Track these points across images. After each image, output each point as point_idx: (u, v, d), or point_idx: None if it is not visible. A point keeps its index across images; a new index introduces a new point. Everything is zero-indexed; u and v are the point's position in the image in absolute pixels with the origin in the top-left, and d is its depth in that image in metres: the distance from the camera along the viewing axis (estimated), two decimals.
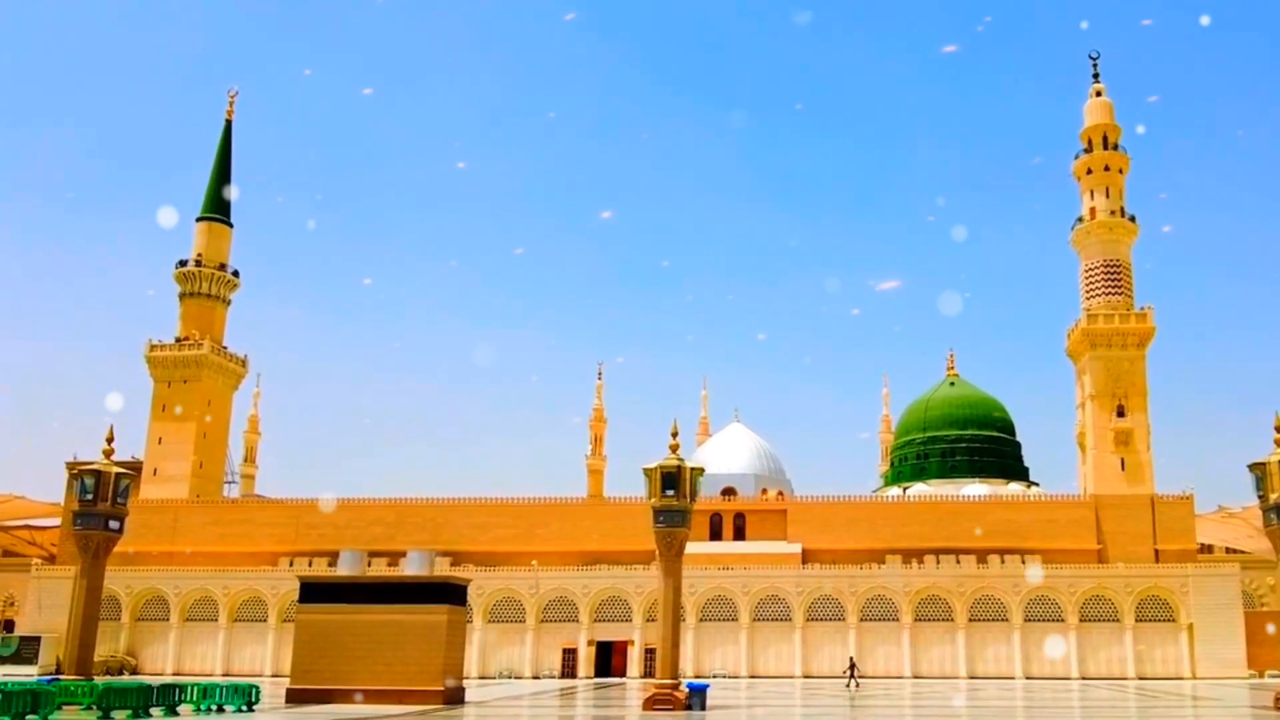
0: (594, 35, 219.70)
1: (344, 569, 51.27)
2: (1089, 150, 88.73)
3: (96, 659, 78.79)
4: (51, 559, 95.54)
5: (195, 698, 40.63)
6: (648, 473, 46.74)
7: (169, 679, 62.22)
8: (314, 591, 49.29)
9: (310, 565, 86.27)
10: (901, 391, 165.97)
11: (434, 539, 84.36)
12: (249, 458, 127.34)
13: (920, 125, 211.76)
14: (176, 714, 38.50)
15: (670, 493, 45.61)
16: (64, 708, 36.10)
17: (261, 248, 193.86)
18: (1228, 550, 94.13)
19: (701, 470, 48.77)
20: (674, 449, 47.16)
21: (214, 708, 40.69)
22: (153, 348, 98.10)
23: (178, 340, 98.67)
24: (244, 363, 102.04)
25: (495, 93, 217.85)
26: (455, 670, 48.99)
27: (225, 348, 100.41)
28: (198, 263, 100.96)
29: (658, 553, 45.81)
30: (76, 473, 48.59)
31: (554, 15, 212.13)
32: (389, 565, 77.66)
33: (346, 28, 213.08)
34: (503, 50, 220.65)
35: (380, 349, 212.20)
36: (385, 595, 48.41)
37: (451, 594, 49.10)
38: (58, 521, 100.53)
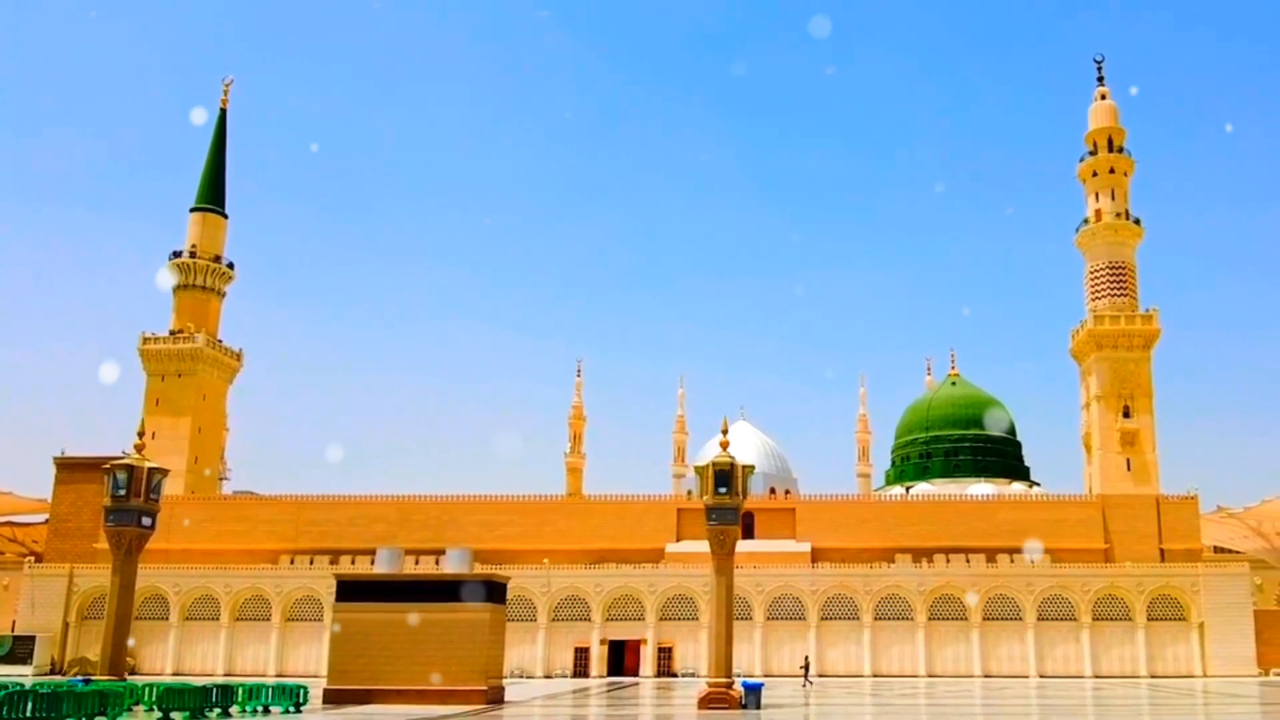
0: (583, 36, 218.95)
1: (381, 567, 50.38)
2: (1094, 153, 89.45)
3: (94, 659, 77.81)
4: (36, 557, 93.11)
5: (242, 699, 39.66)
6: (699, 470, 46.42)
7: (171, 679, 60.79)
8: (352, 590, 48.41)
9: (311, 563, 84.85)
10: (902, 391, 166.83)
11: (438, 537, 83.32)
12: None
13: (922, 126, 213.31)
14: (229, 715, 37.68)
15: (723, 490, 45.24)
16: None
17: (255, 240, 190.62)
18: (1215, 549, 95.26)
19: (752, 468, 48.54)
20: (725, 446, 46.81)
21: (260, 709, 39.79)
22: (146, 340, 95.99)
23: (172, 333, 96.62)
24: (239, 356, 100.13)
25: (489, 91, 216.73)
26: (496, 670, 48.40)
27: (220, 341, 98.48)
28: (192, 254, 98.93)
29: (710, 550, 45.30)
30: (109, 468, 47.35)
31: (548, 16, 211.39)
32: (375, 565, 76.47)
33: (342, 22, 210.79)
34: (497, 49, 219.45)
35: (370, 345, 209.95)
36: (425, 594, 47.63)
37: (493, 592, 48.44)
38: (43, 518, 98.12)
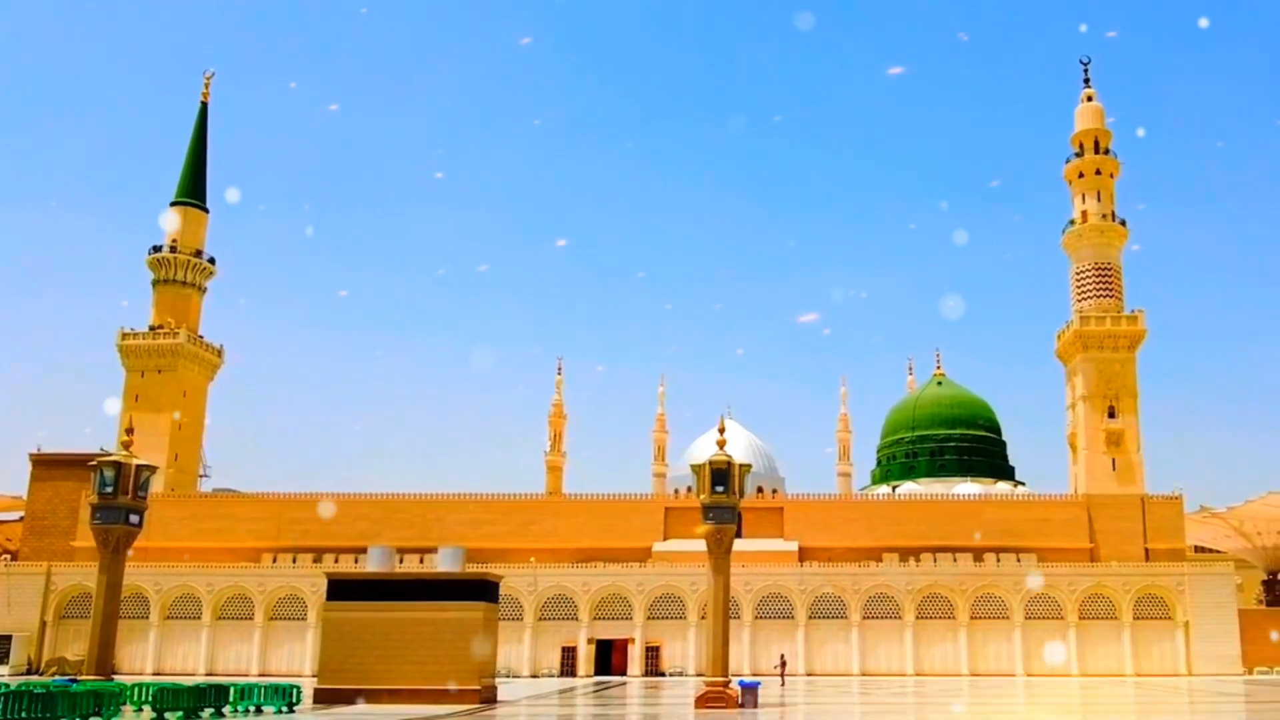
0: (564, 35, 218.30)
1: (373, 566, 49.88)
2: (1080, 154, 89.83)
3: (72, 658, 76.82)
4: (12, 555, 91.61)
5: (234, 698, 39.06)
6: (696, 469, 46.01)
7: (151, 679, 59.80)
8: (343, 589, 47.92)
9: (294, 562, 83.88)
10: (888, 391, 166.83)
11: (423, 536, 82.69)
12: None
13: (909, 128, 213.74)
14: (223, 715, 37.09)
15: (720, 489, 44.90)
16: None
17: (237, 237, 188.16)
18: (1196, 549, 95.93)
19: (749, 467, 48.18)
20: (722, 445, 46.46)
21: (252, 709, 39.23)
22: (125, 336, 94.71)
23: (151, 329, 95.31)
24: (220, 353, 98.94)
25: (472, 89, 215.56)
26: (489, 669, 47.95)
27: (201, 337, 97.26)
28: (172, 248, 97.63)
29: (707, 550, 44.98)
30: (96, 464, 46.58)
31: (534, 20, 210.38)
32: (366, 563, 75.81)
33: (325, 18, 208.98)
34: (480, 47, 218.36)
35: (351, 343, 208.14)
36: (418, 593, 47.17)
37: (485, 591, 48.07)
38: (18, 515, 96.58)
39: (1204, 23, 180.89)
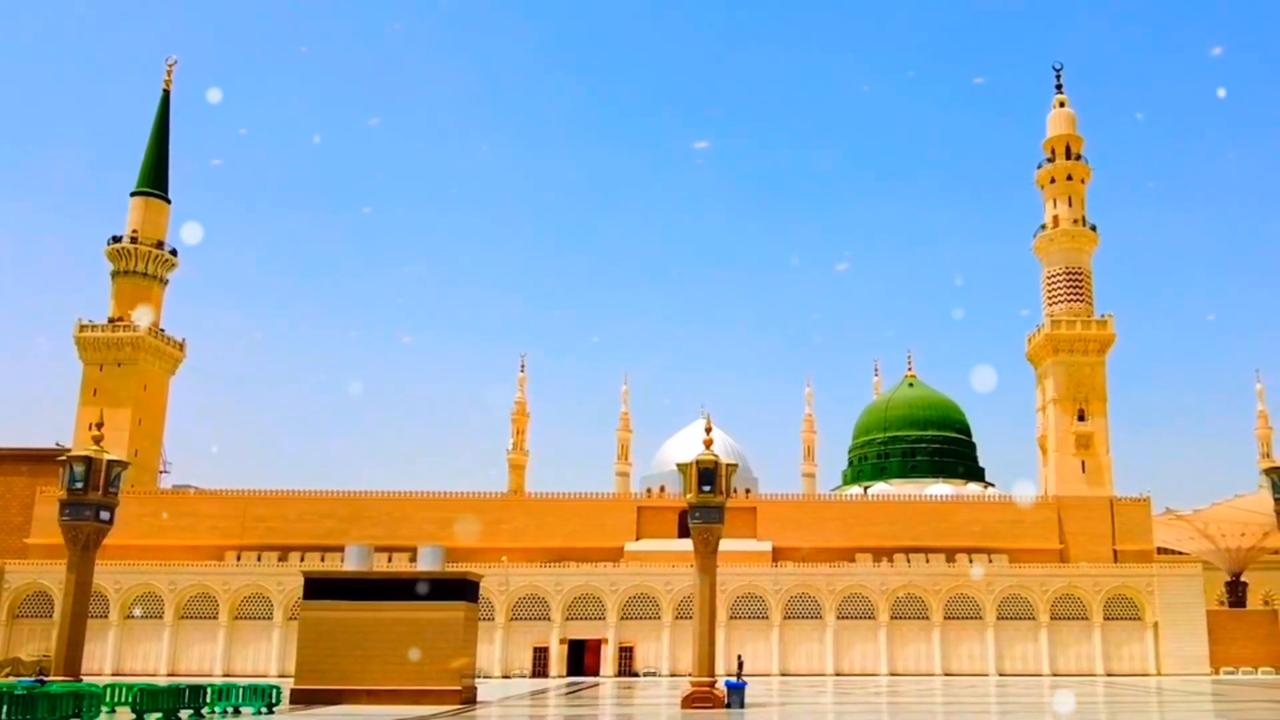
0: (540, 34, 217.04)
1: (350, 564, 49.02)
2: (1051, 160, 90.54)
3: (28, 659, 74.69)
4: None
5: (212, 699, 38.04)
6: (682, 468, 45.58)
7: (111, 679, 58.23)
8: (320, 587, 47.06)
9: (259, 560, 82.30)
10: (859, 392, 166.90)
11: (390, 534, 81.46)
12: None
13: (882, 128, 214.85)
14: (201, 716, 36.06)
15: (707, 488, 44.47)
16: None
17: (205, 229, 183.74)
18: (1161, 551, 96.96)
19: (735, 466, 47.80)
20: (708, 444, 46.02)
21: (230, 710, 38.22)
22: (82, 328, 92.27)
23: (111, 321, 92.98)
24: (182, 346, 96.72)
25: (442, 86, 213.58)
26: (469, 670, 47.18)
27: (162, 330, 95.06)
28: (133, 239, 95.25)
29: (694, 549, 44.48)
30: (65, 459, 45.46)
31: (519, 16, 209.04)
32: (344, 562, 74.49)
33: (301, 15, 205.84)
34: (453, 44, 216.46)
35: (315, 340, 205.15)
36: (397, 592, 46.37)
37: (466, 591, 47.43)
38: None
39: (1221, 93, 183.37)
